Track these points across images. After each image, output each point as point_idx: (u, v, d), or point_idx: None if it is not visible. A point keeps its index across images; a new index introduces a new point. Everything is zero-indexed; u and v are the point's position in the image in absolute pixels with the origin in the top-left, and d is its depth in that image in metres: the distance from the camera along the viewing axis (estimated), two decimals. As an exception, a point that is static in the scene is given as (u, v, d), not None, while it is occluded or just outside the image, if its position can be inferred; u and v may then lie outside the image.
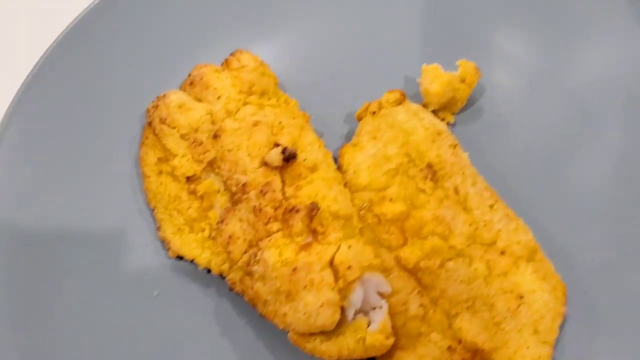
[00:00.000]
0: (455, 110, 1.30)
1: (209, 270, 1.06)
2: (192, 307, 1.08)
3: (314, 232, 0.98)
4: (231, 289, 1.03)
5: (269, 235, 0.99)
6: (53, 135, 1.20)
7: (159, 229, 1.10)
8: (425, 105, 1.27)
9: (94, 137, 1.22)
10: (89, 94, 1.25)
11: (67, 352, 1.03)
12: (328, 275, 0.93)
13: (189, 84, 1.18)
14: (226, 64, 1.21)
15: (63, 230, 1.13)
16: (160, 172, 1.12)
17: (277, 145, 1.06)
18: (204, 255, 1.05)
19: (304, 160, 1.06)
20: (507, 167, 1.24)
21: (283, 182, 1.04)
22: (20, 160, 1.16)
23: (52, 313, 1.06)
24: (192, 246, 1.06)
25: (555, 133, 1.27)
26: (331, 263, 0.95)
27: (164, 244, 1.09)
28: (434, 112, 1.28)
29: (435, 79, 1.23)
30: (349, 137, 1.26)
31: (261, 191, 1.02)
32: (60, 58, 1.25)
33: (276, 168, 1.04)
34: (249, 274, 1.00)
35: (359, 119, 1.25)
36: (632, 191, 1.18)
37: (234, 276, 1.02)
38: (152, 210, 1.13)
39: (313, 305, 0.91)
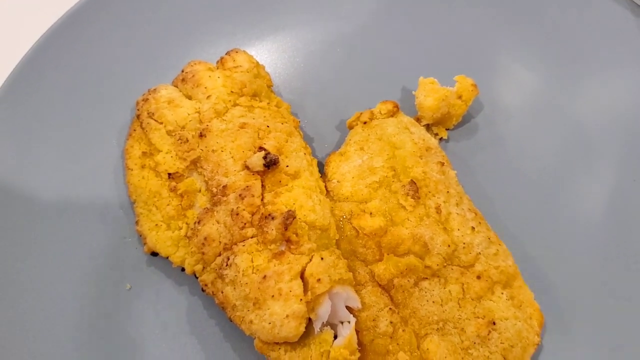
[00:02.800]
0: (450, 126, 1.29)
1: (183, 269, 1.06)
2: (164, 304, 1.09)
3: (287, 241, 0.97)
4: (203, 290, 1.03)
5: (243, 240, 0.99)
6: (42, 119, 1.21)
7: (137, 223, 1.10)
8: (419, 119, 1.25)
9: (83, 125, 1.23)
10: (82, 81, 1.26)
11: (33, 336, 1.03)
12: (297, 286, 0.92)
13: (181, 80, 1.18)
14: (221, 62, 1.20)
15: (42, 213, 1.13)
16: (143, 166, 1.12)
17: (260, 149, 1.05)
18: (178, 254, 1.05)
19: (286, 167, 1.05)
20: (497, 189, 1.22)
21: (263, 187, 1.03)
22: (7, 143, 1.17)
23: (21, 295, 1.06)
24: (168, 244, 1.05)
25: (551, 159, 1.25)
26: (302, 274, 0.94)
27: (141, 238, 1.09)
28: (428, 126, 1.27)
29: (431, 93, 1.22)
30: (339, 144, 1.25)
31: (240, 195, 1.02)
32: (56, 44, 1.26)
33: (257, 172, 1.04)
34: (221, 277, 0.99)
35: (350, 127, 1.24)
36: (623, 227, 1.16)
37: (206, 277, 1.02)
38: (133, 203, 1.12)
39: (278, 316, 0.91)
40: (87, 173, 1.19)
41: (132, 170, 1.13)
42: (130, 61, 1.30)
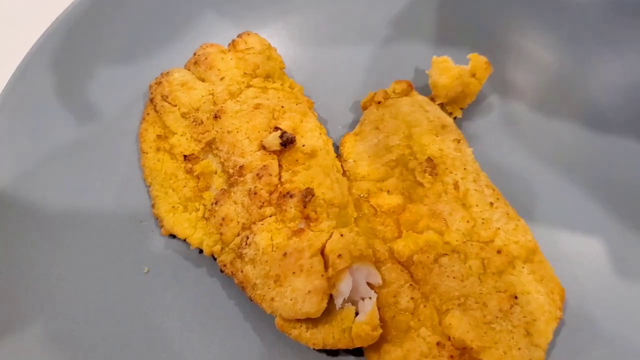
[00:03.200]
0: (464, 105, 1.28)
1: (200, 251, 1.06)
2: (182, 287, 1.08)
3: (307, 219, 0.96)
4: (221, 271, 1.02)
5: (262, 219, 0.99)
6: (54, 106, 1.20)
7: (153, 206, 1.10)
8: (433, 98, 1.24)
9: (97, 111, 1.22)
10: (94, 66, 1.26)
11: (56, 321, 1.03)
12: (318, 262, 0.92)
13: (194, 63, 1.17)
14: (232, 45, 1.20)
15: (59, 202, 1.13)
16: (158, 149, 1.12)
17: (276, 129, 1.05)
18: (196, 235, 1.05)
19: (302, 146, 1.04)
20: (513, 167, 1.21)
21: (280, 166, 1.02)
22: (20, 129, 1.16)
23: (43, 282, 1.06)
24: (185, 225, 1.05)
25: (566, 136, 1.24)
26: (322, 251, 0.94)
27: (158, 221, 1.09)
28: (442, 105, 1.26)
29: (445, 72, 1.21)
30: (353, 125, 1.25)
31: (257, 174, 1.01)
32: (68, 29, 1.25)
33: (274, 152, 1.03)
34: (240, 256, 0.99)
35: (364, 108, 1.23)
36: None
37: (225, 258, 1.01)
38: (149, 186, 1.12)
39: (300, 292, 0.90)
40: (101, 158, 1.19)
41: (147, 153, 1.12)
42: (142, 46, 1.30)
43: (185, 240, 1.06)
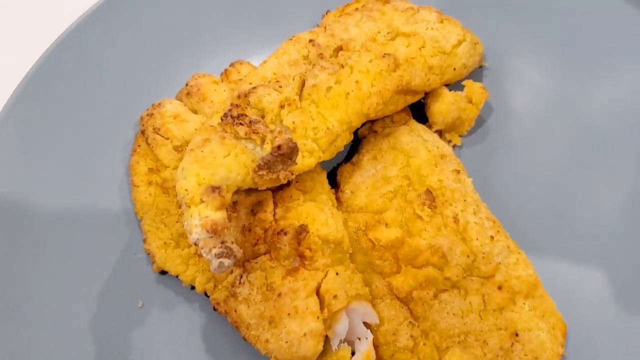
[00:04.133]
0: (463, 131, 1.26)
1: (193, 287, 1.03)
2: (176, 322, 1.05)
3: (301, 257, 0.94)
4: (215, 309, 0.99)
5: (256, 257, 0.96)
6: (46, 135, 1.18)
7: (144, 241, 1.07)
8: (430, 126, 1.22)
9: (87, 141, 1.20)
10: (85, 96, 1.24)
11: (43, 352, 1.01)
12: (313, 303, 0.89)
13: (186, 94, 1.15)
14: (225, 74, 1.18)
15: (50, 232, 1.10)
16: (150, 183, 1.09)
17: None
18: (188, 272, 1.02)
19: (296, 182, 1.01)
20: (513, 195, 1.19)
21: (275, 202, 1.00)
22: (14, 157, 1.14)
23: (32, 312, 1.03)
24: (177, 262, 1.02)
25: (566, 161, 1.22)
26: (317, 290, 0.91)
27: (150, 257, 1.06)
28: (441, 133, 1.24)
29: (440, 98, 1.19)
30: (351, 154, 1.22)
31: (252, 210, 0.99)
32: (60, 58, 1.23)
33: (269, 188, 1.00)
34: (234, 295, 0.96)
35: (362, 136, 1.21)
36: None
37: (218, 296, 0.99)
38: (140, 220, 1.10)
39: (296, 334, 0.87)
40: (96, 188, 1.16)
41: (138, 187, 1.10)
42: (133, 74, 1.28)
43: (177, 276, 1.03)
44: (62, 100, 1.22)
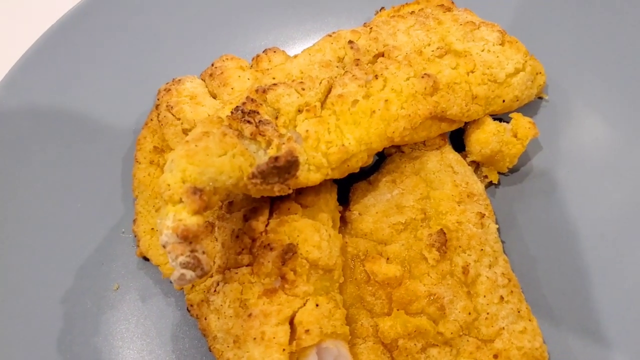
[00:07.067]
0: (503, 168, 1.12)
1: (171, 281, 0.97)
2: (149, 313, 1.01)
3: (283, 278, 0.86)
4: (188, 310, 0.94)
5: (237, 267, 0.89)
6: (63, 92, 1.15)
7: (134, 221, 1.02)
8: (466, 156, 1.10)
9: (104, 107, 1.16)
10: (111, 59, 1.20)
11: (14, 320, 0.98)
12: (283, 333, 0.81)
13: (209, 75, 1.08)
14: (255, 61, 1.09)
15: (43, 195, 1.07)
16: (151, 162, 1.04)
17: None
18: (169, 265, 0.95)
19: (298, 194, 0.93)
20: (543, 251, 1.06)
21: (271, 212, 0.92)
22: (21, 118, 1.11)
23: (9, 288, 1.01)
24: (160, 252, 0.97)
25: (612, 227, 1.06)
26: (292, 319, 0.83)
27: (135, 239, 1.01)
28: (478, 166, 1.12)
29: (481, 125, 1.07)
30: (371, 171, 1.11)
31: (244, 216, 0.91)
32: (82, 20, 1.19)
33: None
34: (207, 301, 0.90)
35: (388, 154, 1.10)
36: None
37: (193, 297, 0.93)
38: (135, 199, 1.04)
39: (256, 362, 0.80)
40: (100, 156, 1.12)
41: (140, 163, 1.05)
42: (166, 43, 1.22)
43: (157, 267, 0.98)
44: (89, 60, 1.18)
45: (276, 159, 0.80)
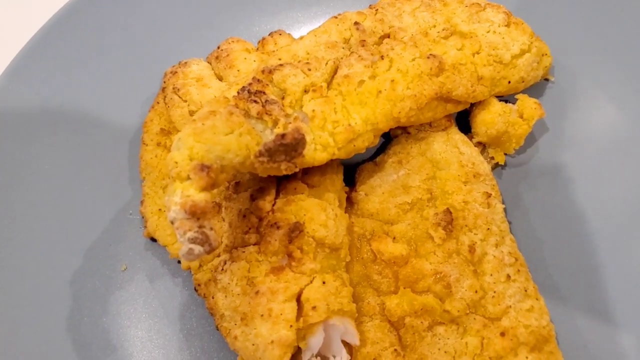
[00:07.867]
0: (509, 149, 1.12)
1: (179, 261, 0.98)
2: (156, 293, 1.02)
3: (289, 256, 0.86)
4: (195, 290, 0.94)
5: (244, 246, 0.89)
6: (66, 81, 1.15)
7: (141, 203, 1.02)
8: (472, 137, 1.10)
9: (111, 89, 1.16)
10: (117, 42, 1.20)
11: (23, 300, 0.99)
12: (290, 309, 0.82)
13: (215, 57, 1.08)
14: (261, 44, 1.09)
15: (53, 177, 1.08)
16: (158, 144, 1.04)
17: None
18: (176, 245, 0.97)
19: (304, 174, 0.93)
20: (550, 232, 1.06)
21: (278, 192, 0.92)
22: (28, 97, 1.12)
23: (18, 270, 1.02)
24: (168, 232, 0.98)
25: (619, 209, 1.06)
26: (299, 296, 0.84)
27: (143, 220, 1.02)
28: (484, 147, 1.12)
29: (487, 106, 1.07)
30: (379, 150, 1.12)
31: (251, 195, 0.92)
32: (90, 4, 1.20)
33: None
34: (215, 280, 0.90)
35: (394, 135, 1.10)
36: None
37: (200, 277, 0.93)
38: (142, 180, 1.05)
39: (263, 339, 0.81)
40: (107, 139, 1.13)
41: (147, 145, 1.05)
42: (173, 26, 1.22)
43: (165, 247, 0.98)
44: (95, 44, 1.19)
45: (283, 136, 0.80)
